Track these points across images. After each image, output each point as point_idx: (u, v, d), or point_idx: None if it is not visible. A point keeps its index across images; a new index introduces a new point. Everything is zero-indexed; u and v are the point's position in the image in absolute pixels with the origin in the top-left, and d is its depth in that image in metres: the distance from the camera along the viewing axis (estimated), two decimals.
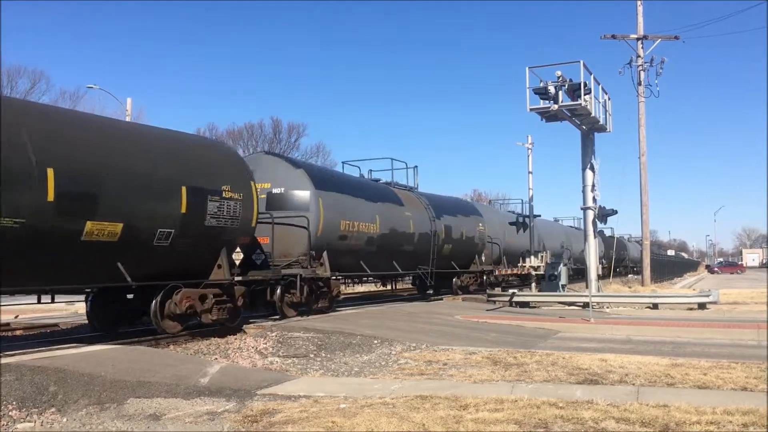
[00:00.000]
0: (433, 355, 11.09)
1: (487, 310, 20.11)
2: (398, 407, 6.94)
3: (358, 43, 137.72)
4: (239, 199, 12.75)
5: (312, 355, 11.32)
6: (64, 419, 6.99)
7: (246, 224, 13.08)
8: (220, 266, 12.59)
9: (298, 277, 14.97)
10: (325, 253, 16.02)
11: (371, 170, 23.02)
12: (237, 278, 13.10)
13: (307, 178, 16.15)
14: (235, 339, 12.57)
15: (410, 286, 29.60)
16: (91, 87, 34.99)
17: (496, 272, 27.51)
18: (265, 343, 12.05)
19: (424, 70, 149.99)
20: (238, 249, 13.25)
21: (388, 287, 27.40)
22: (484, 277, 26.85)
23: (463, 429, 6.11)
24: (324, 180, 17.11)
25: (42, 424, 6.85)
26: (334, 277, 16.69)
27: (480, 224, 26.33)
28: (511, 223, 30.39)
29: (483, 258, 26.40)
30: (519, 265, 27.17)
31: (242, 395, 7.88)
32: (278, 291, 14.86)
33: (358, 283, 26.89)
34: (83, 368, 8.32)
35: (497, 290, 24.93)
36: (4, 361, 8.25)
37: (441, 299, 23.44)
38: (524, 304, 21.41)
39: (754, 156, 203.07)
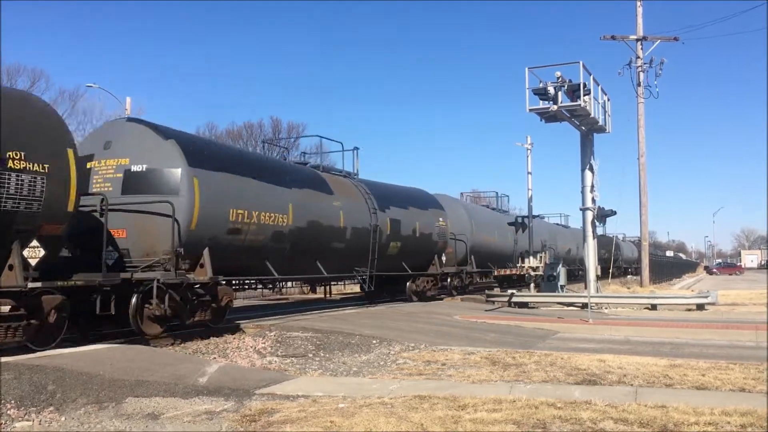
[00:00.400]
0: (431, 355, 11.10)
1: (486, 311, 20.12)
2: (397, 407, 6.94)
3: (358, 43, 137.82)
4: (41, 173, 9.20)
5: (311, 355, 11.32)
6: (63, 418, 6.99)
7: (57, 208, 9.48)
8: (11, 267, 9.01)
9: (155, 282, 11.36)
10: (206, 252, 12.49)
11: (304, 152, 21.23)
12: (34, 284, 9.25)
13: (179, 152, 12.36)
14: (234, 338, 12.57)
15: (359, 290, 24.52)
16: (91, 86, 34.95)
17: (463, 274, 25.26)
18: (264, 343, 12.06)
19: (423, 70, 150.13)
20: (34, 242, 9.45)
21: (327, 292, 24.09)
22: (449, 280, 24.34)
23: (462, 429, 6.12)
24: (205, 155, 13.24)
25: (40, 423, 6.84)
26: (221, 283, 12.99)
27: (440, 219, 23.16)
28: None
29: (444, 258, 23.49)
30: (518, 265, 26.98)
31: (241, 395, 7.88)
32: (133, 301, 11.26)
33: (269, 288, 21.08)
34: (81, 367, 8.31)
35: (496, 290, 24.92)
36: (3, 360, 8.24)
37: (442, 299, 23.41)
38: (523, 305, 21.43)
39: (753, 157, 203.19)
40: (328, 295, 21.97)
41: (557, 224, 43.64)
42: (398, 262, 20.70)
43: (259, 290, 21.85)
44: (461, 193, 32.56)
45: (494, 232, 29.01)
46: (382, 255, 19.23)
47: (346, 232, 17.55)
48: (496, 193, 34.25)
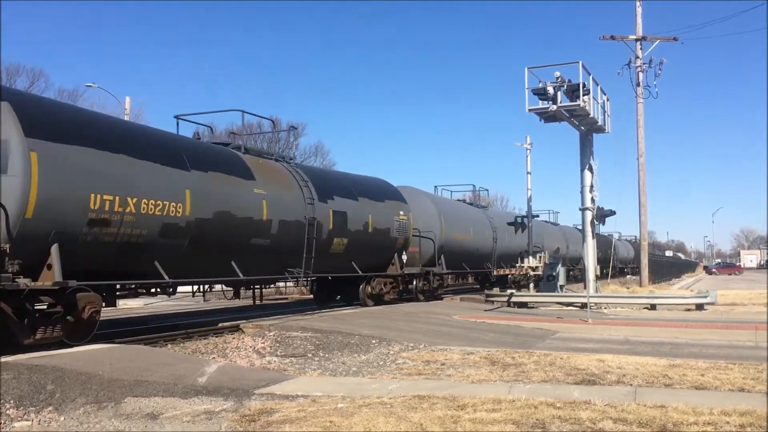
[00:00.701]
0: (431, 355, 11.10)
1: (486, 311, 20.12)
2: (396, 407, 6.94)
3: (358, 43, 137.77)
4: None
5: (310, 355, 11.33)
6: (62, 418, 6.99)
7: None
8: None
9: None
10: (54, 249, 9.86)
11: (234, 133, 18.92)
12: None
13: (13, 117, 9.58)
14: (234, 338, 12.57)
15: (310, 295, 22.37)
16: (90, 86, 34.94)
17: (431, 276, 22.29)
18: (263, 343, 12.06)
19: (423, 70, 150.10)
20: None
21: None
22: (415, 282, 21.50)
23: (461, 429, 6.12)
24: (55, 123, 10.41)
25: (39, 422, 6.84)
26: (85, 289, 10.24)
27: (401, 213, 20.29)
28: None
29: (405, 257, 20.66)
30: (517, 265, 26.97)
31: (240, 395, 7.88)
32: None
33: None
34: (81, 367, 8.32)
35: (495, 290, 24.92)
36: (2, 359, 8.24)
37: (441, 300, 23.42)
38: (522, 305, 21.44)
39: (752, 157, 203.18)
40: (258, 300, 17.80)
41: (545, 221, 40.69)
42: (346, 261, 17.90)
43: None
44: (435, 186, 28.98)
45: (469, 229, 26.30)
46: (323, 253, 16.38)
47: (270, 225, 14.49)
48: (473, 186, 31.57)
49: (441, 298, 23.32)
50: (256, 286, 16.68)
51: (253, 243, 14.21)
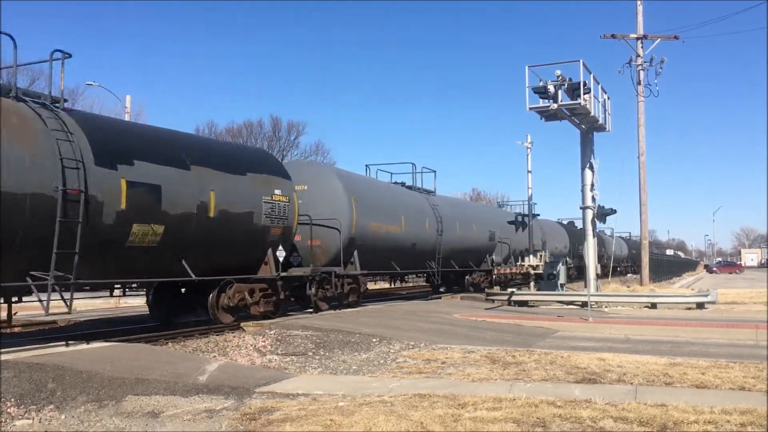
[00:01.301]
0: (431, 354, 11.10)
1: (486, 309, 20.12)
2: (397, 406, 6.94)
3: (358, 43, 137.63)
4: None
5: (311, 353, 11.33)
6: (63, 416, 6.99)
7: None
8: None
9: None
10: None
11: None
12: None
13: None
14: (234, 337, 12.57)
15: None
16: (91, 84, 34.91)
17: (334, 278, 16.72)
18: (264, 341, 12.07)
19: (423, 69, 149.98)
20: None
21: None
22: (314, 288, 16.17)
23: (462, 428, 6.12)
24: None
25: (40, 421, 6.85)
26: None
27: (276, 191, 14.61)
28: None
29: (281, 254, 14.73)
30: (518, 264, 26.89)
31: (241, 393, 7.88)
32: None
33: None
34: (82, 365, 8.32)
35: (496, 289, 24.90)
36: (3, 357, 8.25)
37: (440, 298, 23.40)
38: (523, 303, 21.44)
39: (753, 156, 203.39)
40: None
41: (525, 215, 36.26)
42: (168, 260, 12.30)
43: None
44: (366, 166, 23.24)
45: (399, 218, 20.37)
46: (109, 248, 11.03)
47: None
48: (413, 165, 24.12)
49: (358, 306, 17.87)
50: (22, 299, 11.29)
51: None
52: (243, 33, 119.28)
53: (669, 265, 55.12)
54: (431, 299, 22.92)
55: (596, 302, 20.41)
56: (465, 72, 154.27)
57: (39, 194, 9.79)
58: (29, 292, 10.43)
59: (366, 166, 23.40)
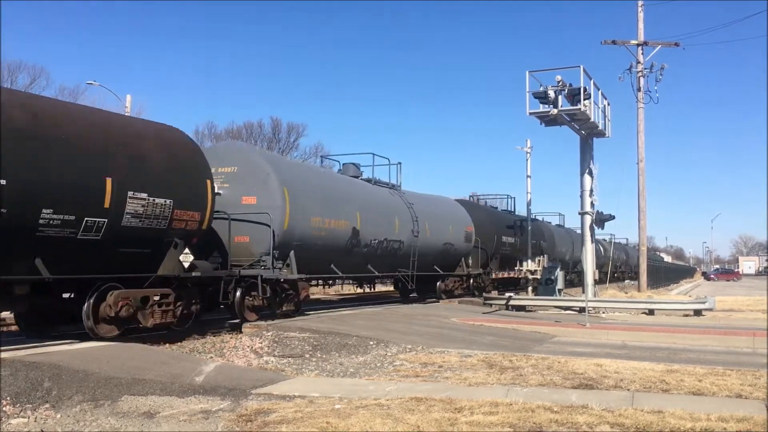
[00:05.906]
0: (428, 357, 11.09)
1: (484, 313, 20.10)
2: (393, 409, 6.93)
3: (359, 45, 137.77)
4: None
5: (307, 356, 11.31)
6: (58, 415, 6.98)
7: None
8: None
9: None
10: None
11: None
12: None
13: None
14: (231, 338, 12.55)
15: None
16: (91, 83, 34.91)
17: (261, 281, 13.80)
18: (261, 343, 12.04)
19: (424, 72, 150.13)
20: None
21: None
22: (237, 292, 13.72)
23: (458, 431, 6.11)
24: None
25: (36, 419, 6.83)
26: None
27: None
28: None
29: (186, 256, 11.69)
30: (516, 268, 26.87)
31: (237, 394, 7.87)
32: None
33: None
34: (78, 365, 8.30)
35: (494, 293, 24.89)
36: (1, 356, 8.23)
37: (437, 302, 23.37)
38: (520, 308, 21.44)
39: (752, 163, 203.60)
40: None
41: (505, 211, 32.67)
42: None
43: None
44: (321, 157, 20.94)
45: (354, 214, 17.52)
46: None
47: None
48: (373, 155, 21.31)
49: (296, 316, 15.24)
50: None
51: None
52: (243, 33, 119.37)
53: (666, 271, 55.13)
54: (429, 303, 22.86)
55: (594, 308, 20.42)
56: (465, 75, 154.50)
57: None
58: None
59: (321, 157, 21.03)
